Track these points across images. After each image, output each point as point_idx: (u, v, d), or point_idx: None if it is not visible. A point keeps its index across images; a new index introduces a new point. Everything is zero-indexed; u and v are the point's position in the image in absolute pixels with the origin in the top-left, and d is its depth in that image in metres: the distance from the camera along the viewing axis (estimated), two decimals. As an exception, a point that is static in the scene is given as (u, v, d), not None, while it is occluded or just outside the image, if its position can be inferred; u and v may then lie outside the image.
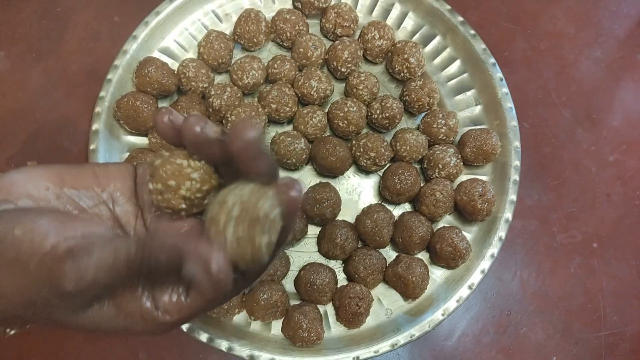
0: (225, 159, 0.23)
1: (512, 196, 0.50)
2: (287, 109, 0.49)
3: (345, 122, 0.49)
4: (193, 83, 0.49)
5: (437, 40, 0.56)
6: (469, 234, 0.50)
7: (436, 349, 0.48)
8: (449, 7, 0.55)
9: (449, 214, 0.50)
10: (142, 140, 0.50)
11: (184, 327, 0.43)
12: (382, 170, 0.50)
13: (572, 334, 0.50)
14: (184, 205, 0.24)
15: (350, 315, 0.45)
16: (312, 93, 0.50)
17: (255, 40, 0.52)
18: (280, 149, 0.47)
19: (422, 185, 0.50)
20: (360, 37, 0.53)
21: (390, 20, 0.56)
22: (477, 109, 0.54)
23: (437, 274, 0.49)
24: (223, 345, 0.43)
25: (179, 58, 0.52)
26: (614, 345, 0.50)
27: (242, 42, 0.52)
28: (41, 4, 0.55)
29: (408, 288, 0.46)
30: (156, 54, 0.52)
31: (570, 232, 0.53)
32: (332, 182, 0.50)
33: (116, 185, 0.25)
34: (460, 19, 0.54)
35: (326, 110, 0.51)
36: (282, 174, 0.48)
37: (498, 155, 0.50)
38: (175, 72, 0.50)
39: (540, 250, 0.52)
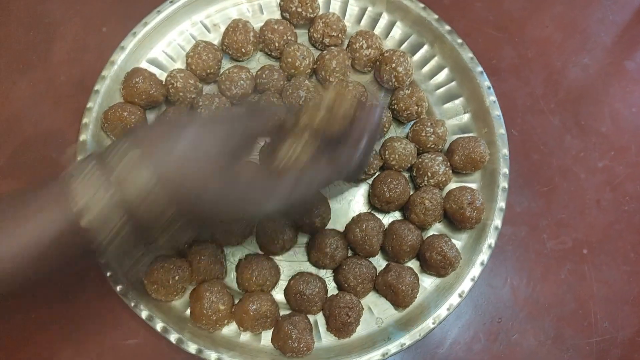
0: None
1: (502, 203, 0.50)
2: (276, 119, 0.49)
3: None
4: (181, 93, 0.49)
5: (424, 49, 0.56)
6: (458, 241, 0.50)
7: (427, 357, 0.48)
8: (436, 16, 0.55)
9: (439, 222, 0.50)
10: (130, 151, 0.50)
11: (173, 338, 0.43)
12: (372, 179, 0.50)
13: (563, 340, 0.50)
14: None
15: (341, 324, 0.45)
16: (300, 103, 0.50)
17: (243, 50, 0.52)
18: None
19: (411, 193, 0.50)
20: (349, 46, 0.54)
21: (378, 30, 0.57)
22: (466, 117, 0.54)
23: (428, 282, 0.49)
24: (212, 356, 0.43)
25: (167, 69, 0.52)
26: (605, 352, 0.50)
27: (230, 52, 0.53)
28: (28, 15, 0.55)
29: (398, 297, 0.46)
30: (144, 65, 0.52)
31: (561, 238, 0.53)
32: (321, 190, 0.50)
33: None
34: (448, 27, 0.55)
35: (315, 120, 0.51)
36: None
37: (487, 163, 0.50)
38: (163, 82, 0.50)
39: (530, 256, 0.52)
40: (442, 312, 0.46)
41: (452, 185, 0.51)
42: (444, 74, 0.55)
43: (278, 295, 0.47)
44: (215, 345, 0.44)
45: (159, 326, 0.43)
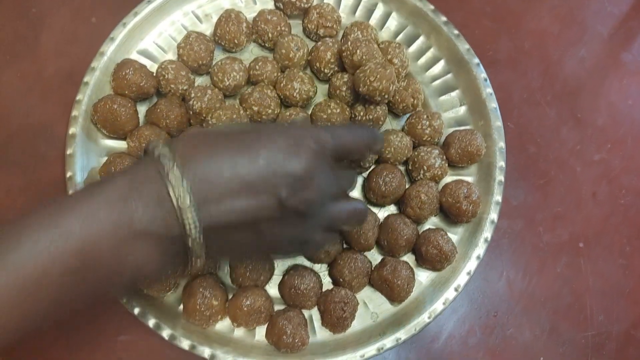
0: None
1: (498, 197, 0.49)
2: (270, 111, 0.48)
3: (329, 124, 0.48)
4: (172, 85, 0.48)
5: (420, 40, 0.55)
6: (454, 235, 0.49)
7: (423, 352, 0.48)
8: (432, 7, 0.54)
9: (435, 216, 0.49)
10: (120, 145, 0.49)
11: (165, 334, 0.42)
12: (367, 172, 0.50)
13: (559, 334, 0.50)
14: None
15: (336, 319, 0.44)
16: (294, 95, 0.49)
17: (236, 41, 0.51)
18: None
19: (407, 187, 0.49)
20: (343, 37, 0.53)
21: (374, 21, 0.56)
22: (462, 109, 0.54)
23: (423, 277, 0.48)
24: (206, 352, 0.43)
25: (158, 60, 0.51)
26: (600, 345, 0.49)
27: (222, 43, 0.52)
28: (14, 5, 0.54)
29: (394, 291, 0.45)
30: (134, 56, 0.51)
31: (557, 231, 0.53)
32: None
33: None
34: (444, 19, 0.54)
35: (309, 112, 0.50)
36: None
37: (483, 156, 0.50)
38: (154, 74, 0.49)
39: (526, 250, 0.52)
40: (437, 306, 0.46)
41: (448, 179, 0.50)
42: (440, 66, 0.55)
43: (272, 290, 0.47)
44: (208, 341, 0.43)
45: (151, 322, 0.43)
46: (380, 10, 0.56)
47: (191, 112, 0.47)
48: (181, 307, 0.44)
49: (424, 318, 0.45)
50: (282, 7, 0.53)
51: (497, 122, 0.51)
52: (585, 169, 0.56)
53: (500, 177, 0.50)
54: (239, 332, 0.45)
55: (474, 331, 0.49)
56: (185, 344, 0.42)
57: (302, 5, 0.52)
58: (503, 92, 0.54)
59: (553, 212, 0.54)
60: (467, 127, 0.52)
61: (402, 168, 0.51)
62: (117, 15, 0.51)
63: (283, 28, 0.52)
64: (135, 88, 0.47)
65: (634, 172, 0.56)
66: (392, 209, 0.50)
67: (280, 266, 0.47)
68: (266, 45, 0.53)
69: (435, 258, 0.46)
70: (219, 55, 0.52)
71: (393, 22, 0.56)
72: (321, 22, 0.52)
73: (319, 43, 0.51)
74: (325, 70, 0.51)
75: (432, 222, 0.50)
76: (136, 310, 0.43)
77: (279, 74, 0.51)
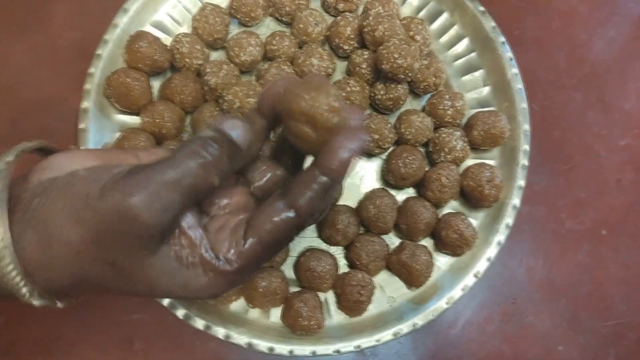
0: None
1: (521, 181, 0.48)
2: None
3: (348, 102, 0.47)
4: (187, 60, 0.47)
5: (444, 17, 0.53)
6: (475, 220, 0.48)
7: (440, 338, 0.47)
8: (457, -19, 0.52)
9: (455, 200, 0.48)
10: (134, 120, 0.47)
11: (180, 314, 0.42)
12: (386, 154, 0.48)
13: (578, 322, 0.48)
14: None
15: (352, 303, 0.43)
16: (312, 71, 0.47)
17: (252, 14, 0.49)
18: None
19: (427, 169, 0.47)
20: (364, 12, 0.51)
21: (396, -5, 0.53)
22: (485, 90, 0.52)
23: (442, 262, 0.47)
24: (220, 332, 0.42)
25: (172, 33, 0.50)
26: (621, 335, 0.48)
27: (238, 16, 0.50)
28: (25, -26, 0.52)
29: (412, 276, 0.44)
30: (148, 28, 0.49)
31: (579, 218, 0.52)
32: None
33: None
34: (470, -6, 0.52)
35: (328, 90, 0.48)
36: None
37: (507, 139, 0.48)
38: (168, 47, 0.47)
39: (547, 237, 0.51)
40: (456, 292, 0.45)
41: (470, 162, 0.49)
42: (463, 44, 0.53)
43: (287, 271, 0.46)
44: (223, 322, 0.43)
45: (165, 301, 0.42)
46: (402, -16, 0.54)
47: (206, 88, 0.46)
48: (195, 286, 0.44)
49: (442, 304, 0.44)
50: (300, -21, 0.51)
51: (523, 104, 0.49)
52: (610, 155, 0.54)
53: (524, 161, 0.48)
54: (254, 313, 0.44)
55: (492, 318, 0.48)
56: (199, 323, 0.42)
57: (322, -22, 0.50)
58: (528, 74, 0.52)
59: (576, 198, 0.52)
60: (491, 109, 0.50)
61: (422, 150, 0.49)
62: (130, -14, 0.49)
63: (301, 1, 0.50)
64: (149, 61, 0.46)
65: (661, 159, 0.54)
66: (411, 192, 0.49)
67: (296, 247, 0.47)
68: (283, 19, 0.51)
69: (455, 243, 0.45)
70: (234, 30, 0.50)
71: (416, -2, 0.54)
72: (341, -4, 0.50)
73: (339, 18, 0.49)
74: (345, 47, 0.49)
75: (452, 206, 0.49)
76: (150, 289, 0.42)
77: (297, 49, 0.49)
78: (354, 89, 0.46)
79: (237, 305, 0.44)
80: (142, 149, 0.26)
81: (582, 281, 0.50)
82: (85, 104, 0.46)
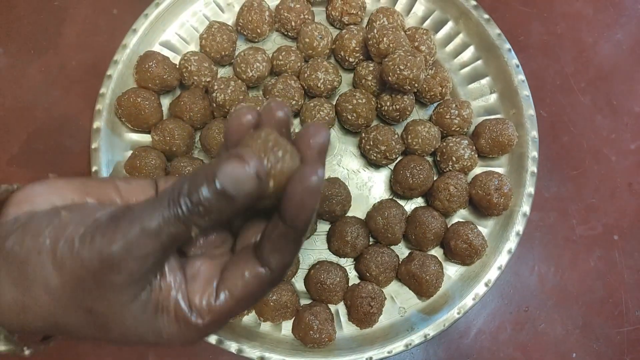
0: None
1: (530, 189, 0.47)
2: (294, 102, 0.47)
3: (354, 114, 0.47)
4: (195, 77, 0.47)
5: (449, 25, 0.53)
6: (484, 228, 0.48)
7: (452, 347, 0.47)
8: (461, -10, 0.52)
9: (464, 209, 0.48)
10: (145, 138, 0.48)
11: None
12: (393, 164, 0.48)
13: (592, 329, 0.48)
14: None
15: (363, 315, 0.44)
16: (318, 85, 0.48)
17: (258, 30, 0.50)
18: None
19: (435, 179, 0.48)
20: (368, 24, 0.51)
21: (400, 6, 0.54)
22: (492, 97, 0.52)
23: (452, 271, 0.47)
24: (233, 347, 0.43)
25: (181, 51, 0.51)
26: (636, 341, 0.48)
27: (245, 33, 0.50)
28: (37, -3, 0.53)
29: (422, 287, 0.44)
30: (157, 48, 0.50)
31: (590, 224, 0.51)
32: (341, 177, 0.49)
33: (138, 198, 0.25)
34: (474, 2, 0.52)
35: (334, 103, 0.49)
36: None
37: (515, 146, 0.48)
38: (177, 66, 0.48)
39: (559, 243, 0.50)
40: (467, 301, 0.45)
41: (478, 170, 0.49)
42: (469, 52, 0.53)
43: (298, 284, 0.46)
44: (235, 336, 0.43)
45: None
46: (406, -5, 0.54)
47: (214, 105, 0.47)
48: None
49: (453, 314, 0.44)
50: (305, -6, 0.52)
51: (530, 111, 0.49)
52: (621, 159, 0.53)
53: (532, 168, 0.48)
54: (266, 327, 0.45)
55: (504, 326, 0.48)
56: (212, 338, 0.42)
57: (326, -9, 0.51)
58: (535, 79, 0.52)
59: (587, 204, 0.52)
60: (498, 116, 0.50)
61: (429, 159, 0.49)
62: (138, 7, 0.50)
63: (306, 16, 0.50)
64: (158, 81, 0.46)
65: (673, 162, 0.53)
66: (419, 202, 0.49)
67: (306, 260, 0.47)
68: (289, 34, 0.51)
69: (464, 252, 0.45)
70: (241, 46, 0.51)
71: (420, 7, 0.54)
72: (345, 9, 0.50)
73: (344, 31, 0.49)
74: (350, 59, 0.49)
75: (461, 214, 0.49)
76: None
77: (303, 63, 0.50)
78: (360, 101, 0.47)
79: (249, 318, 0.45)
80: (121, 179, 0.25)
81: (595, 287, 0.49)
82: (97, 123, 0.47)
